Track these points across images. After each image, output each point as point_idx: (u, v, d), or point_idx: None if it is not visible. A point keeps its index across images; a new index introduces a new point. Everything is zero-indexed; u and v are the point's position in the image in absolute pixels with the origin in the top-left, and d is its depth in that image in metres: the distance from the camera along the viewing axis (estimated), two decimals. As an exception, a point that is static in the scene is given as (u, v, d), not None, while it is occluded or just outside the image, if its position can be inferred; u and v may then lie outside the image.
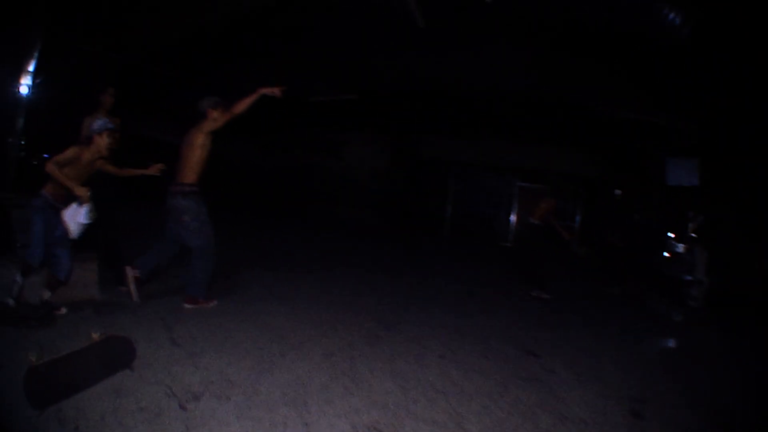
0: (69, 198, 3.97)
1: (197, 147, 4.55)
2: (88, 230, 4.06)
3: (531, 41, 8.50)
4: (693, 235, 9.10)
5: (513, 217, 15.26)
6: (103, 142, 4.03)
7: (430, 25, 7.96)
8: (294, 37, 8.95)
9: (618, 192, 12.96)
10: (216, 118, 4.54)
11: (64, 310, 4.13)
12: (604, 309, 7.01)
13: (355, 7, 7.88)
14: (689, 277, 8.75)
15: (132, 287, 4.66)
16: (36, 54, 8.24)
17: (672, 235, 9.43)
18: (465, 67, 9.53)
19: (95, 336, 3.19)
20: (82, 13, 9.01)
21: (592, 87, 9.39)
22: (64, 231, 3.98)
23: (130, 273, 4.67)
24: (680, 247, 9.32)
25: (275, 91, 4.48)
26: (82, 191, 3.85)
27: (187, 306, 4.62)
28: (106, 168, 4.30)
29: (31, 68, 8.53)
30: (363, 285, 6.56)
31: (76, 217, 3.95)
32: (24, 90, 9.00)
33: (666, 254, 9.29)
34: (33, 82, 8.87)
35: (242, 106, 4.44)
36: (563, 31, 7.83)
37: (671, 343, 5.75)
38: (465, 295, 6.75)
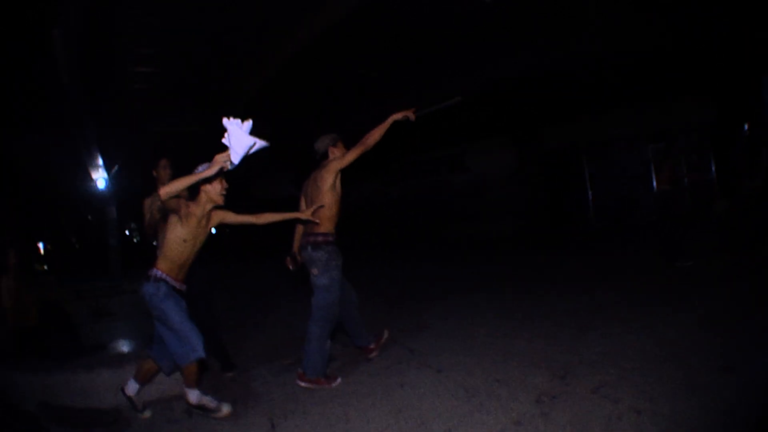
0: (188, 274, 3.35)
1: (326, 191, 3.86)
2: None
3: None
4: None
5: (655, 184, 13.26)
6: (214, 189, 3.29)
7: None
8: (385, 50, 8.29)
9: (746, 127, 10.95)
10: (342, 156, 3.87)
11: (147, 414, 3.41)
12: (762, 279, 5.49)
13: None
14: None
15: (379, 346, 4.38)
16: (97, 148, 8.21)
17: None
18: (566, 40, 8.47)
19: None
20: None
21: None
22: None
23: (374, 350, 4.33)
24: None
25: (408, 115, 3.83)
26: (219, 158, 2.95)
27: (299, 384, 3.73)
28: (229, 220, 3.54)
29: (99, 162, 8.54)
30: (515, 316, 5.11)
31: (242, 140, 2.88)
32: (101, 184, 9.09)
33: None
34: (109, 173, 8.90)
35: (374, 137, 3.74)
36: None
37: None
38: (635, 304, 5.08)
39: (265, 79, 8.73)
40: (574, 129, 14.36)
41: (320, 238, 3.84)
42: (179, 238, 3.23)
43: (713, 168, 12.25)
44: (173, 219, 3.24)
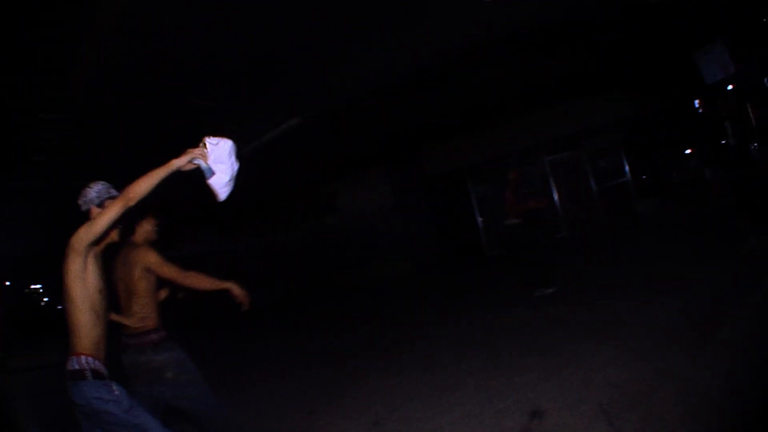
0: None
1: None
2: None
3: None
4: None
5: (556, 200, 11.96)
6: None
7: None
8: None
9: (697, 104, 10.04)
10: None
11: None
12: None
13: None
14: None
15: None
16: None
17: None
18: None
19: None
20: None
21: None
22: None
23: None
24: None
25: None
26: (191, 154, 2.31)
27: None
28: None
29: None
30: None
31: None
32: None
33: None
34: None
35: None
36: None
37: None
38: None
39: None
40: (457, 149, 12.52)
41: (154, 336, 3.02)
42: (97, 287, 2.30)
43: (627, 169, 11.29)
44: (77, 264, 2.23)
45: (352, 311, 9.75)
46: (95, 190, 2.45)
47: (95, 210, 2.37)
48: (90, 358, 2.19)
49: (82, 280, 2.24)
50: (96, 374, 2.18)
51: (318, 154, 11.17)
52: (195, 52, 6.54)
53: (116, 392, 2.19)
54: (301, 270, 14.99)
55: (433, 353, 4.96)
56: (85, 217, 2.35)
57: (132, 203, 2.15)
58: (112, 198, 2.41)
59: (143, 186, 2.15)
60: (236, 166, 2.48)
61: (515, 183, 6.44)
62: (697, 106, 9.72)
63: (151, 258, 3.03)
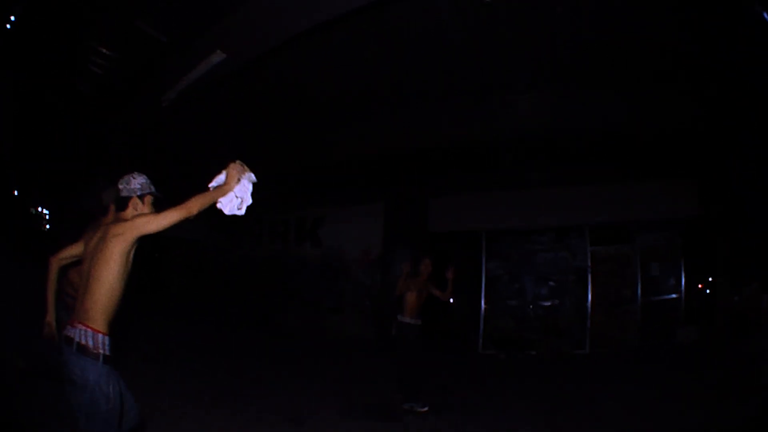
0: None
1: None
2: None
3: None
4: None
5: (589, 305, 8.88)
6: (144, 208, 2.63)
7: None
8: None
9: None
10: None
11: None
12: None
13: None
14: None
15: None
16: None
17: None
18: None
19: None
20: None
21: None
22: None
23: None
24: None
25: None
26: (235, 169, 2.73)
27: None
28: None
29: None
30: None
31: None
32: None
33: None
34: None
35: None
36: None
37: None
38: None
39: None
40: (472, 206, 9.87)
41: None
42: (128, 273, 2.55)
43: (683, 284, 8.48)
44: (123, 248, 2.49)
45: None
46: (138, 182, 2.63)
47: (135, 200, 2.60)
48: (107, 339, 2.36)
49: (123, 264, 2.43)
50: (105, 359, 2.31)
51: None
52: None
53: (112, 387, 2.31)
54: (253, 296, 12.55)
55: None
56: (123, 201, 2.62)
57: (191, 216, 2.45)
58: (153, 194, 2.65)
59: (204, 203, 2.52)
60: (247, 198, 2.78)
61: (425, 277, 5.68)
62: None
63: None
